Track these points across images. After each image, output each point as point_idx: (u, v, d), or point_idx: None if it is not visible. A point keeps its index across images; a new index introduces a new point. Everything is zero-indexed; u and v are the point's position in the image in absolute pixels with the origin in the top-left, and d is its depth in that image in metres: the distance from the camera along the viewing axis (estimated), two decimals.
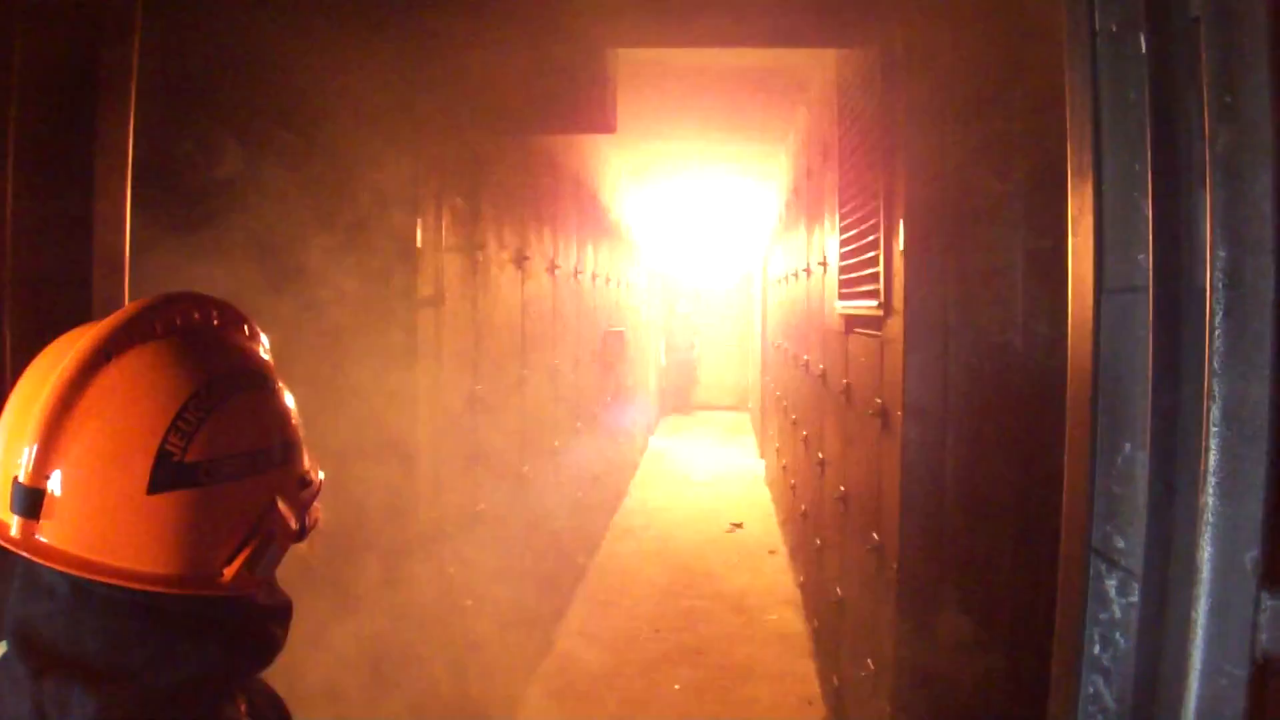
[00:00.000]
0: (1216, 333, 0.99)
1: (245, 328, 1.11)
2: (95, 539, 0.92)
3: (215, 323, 1.07)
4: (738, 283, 15.15)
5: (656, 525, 8.64)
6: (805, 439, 5.99)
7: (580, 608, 6.35)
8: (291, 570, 1.09)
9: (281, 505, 1.02)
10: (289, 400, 1.08)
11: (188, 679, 0.95)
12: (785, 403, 7.73)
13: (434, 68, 3.40)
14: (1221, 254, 0.98)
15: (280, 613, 1.08)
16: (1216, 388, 1.00)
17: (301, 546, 1.07)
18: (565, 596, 6.29)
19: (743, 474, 10.99)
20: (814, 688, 5.04)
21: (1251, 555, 1.00)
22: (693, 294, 15.49)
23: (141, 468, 0.92)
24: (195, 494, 0.94)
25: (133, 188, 1.69)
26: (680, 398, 15.65)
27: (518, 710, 4.74)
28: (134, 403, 0.94)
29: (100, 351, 0.94)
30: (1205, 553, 1.02)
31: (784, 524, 7.91)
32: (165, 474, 0.92)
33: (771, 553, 7.66)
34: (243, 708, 1.02)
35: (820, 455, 5.16)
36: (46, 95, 1.55)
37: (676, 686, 5.15)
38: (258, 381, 1.04)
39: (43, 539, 0.92)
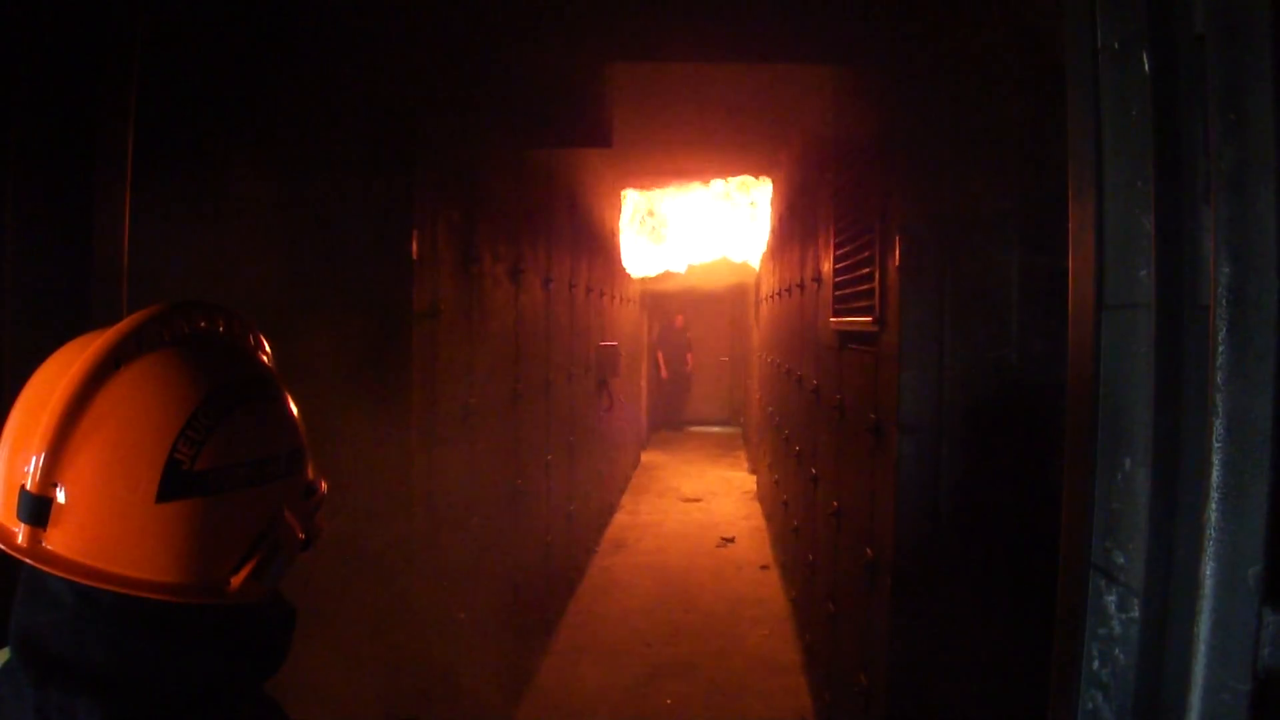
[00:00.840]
0: (1220, 349, 0.99)
1: (250, 335, 1.11)
2: (103, 547, 0.92)
3: (221, 330, 1.07)
4: (730, 298, 15.16)
5: (648, 540, 8.62)
6: (798, 454, 5.99)
7: (572, 620, 6.33)
8: (293, 582, 1.08)
9: (288, 514, 1.02)
10: (293, 409, 1.08)
11: (193, 688, 0.95)
12: (778, 418, 7.73)
13: (431, 82, 3.40)
14: (1225, 270, 0.99)
15: (285, 621, 1.07)
16: (1220, 403, 1.00)
17: (305, 555, 1.07)
18: (557, 609, 6.27)
19: (734, 489, 10.98)
20: (806, 703, 5.03)
21: (1254, 571, 1.00)
22: (685, 309, 15.48)
23: (150, 476, 0.91)
24: (204, 503, 0.94)
25: (132, 194, 1.69)
26: (672, 412, 15.64)
27: None
28: (143, 411, 0.93)
29: (109, 360, 0.93)
30: (1208, 568, 1.02)
31: (776, 539, 7.90)
32: (174, 482, 0.92)
33: (763, 568, 7.64)
34: (247, 714, 1.01)
35: (813, 471, 5.16)
36: (47, 101, 1.55)
37: (668, 701, 5.13)
38: (264, 390, 1.04)
39: (50, 547, 0.92)
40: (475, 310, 3.96)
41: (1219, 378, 1.01)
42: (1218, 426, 1.01)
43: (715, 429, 15.74)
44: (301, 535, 1.04)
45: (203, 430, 0.94)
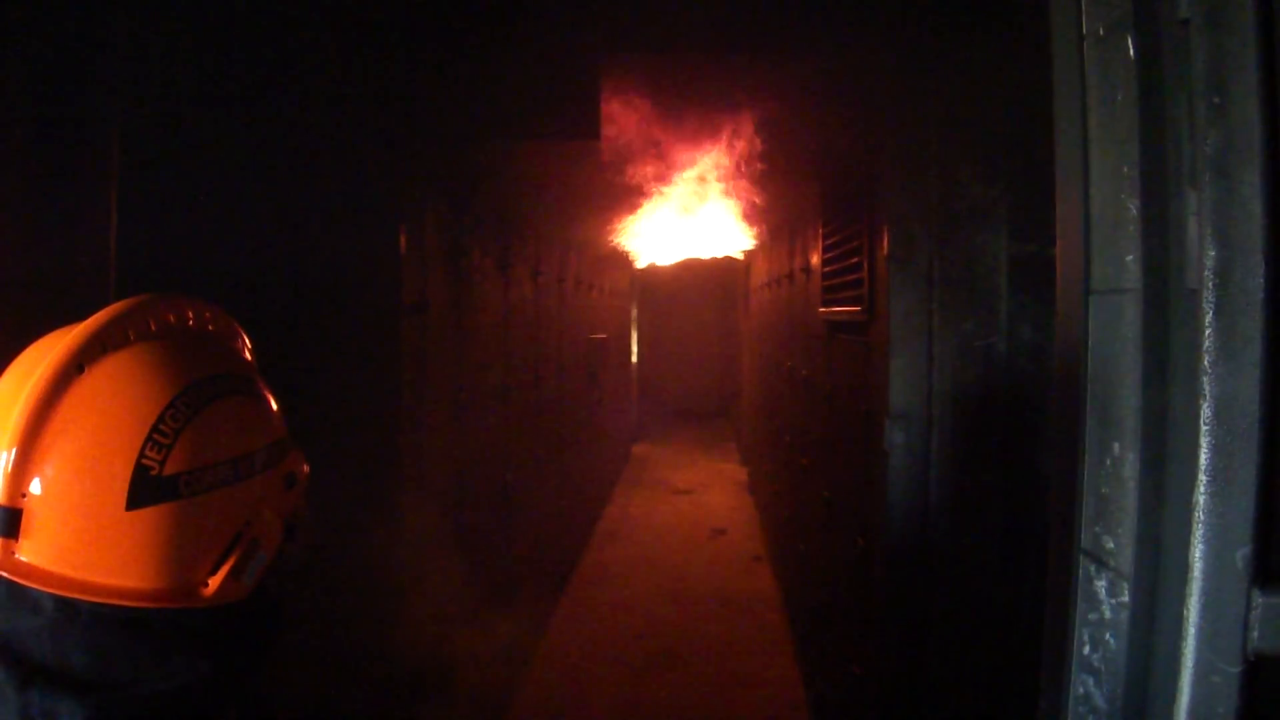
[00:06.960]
0: (1207, 332, 0.99)
1: (226, 327, 1.08)
2: (75, 557, 0.90)
3: (192, 324, 1.04)
4: (721, 288, 15.17)
5: (640, 532, 8.63)
6: (789, 445, 5.99)
7: (565, 614, 6.33)
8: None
9: (265, 511, 1.00)
10: (272, 401, 1.06)
11: (176, 689, 0.94)
12: (769, 409, 7.74)
13: (419, 72, 3.39)
14: (1211, 253, 0.99)
15: (269, 616, 1.05)
16: (1208, 386, 1.00)
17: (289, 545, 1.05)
18: (549, 603, 6.27)
19: (726, 481, 10.99)
20: (799, 693, 5.05)
21: (1243, 553, 1.00)
22: (676, 300, 15.47)
23: (119, 484, 0.89)
24: (175, 507, 0.92)
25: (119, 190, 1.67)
26: (663, 404, 15.62)
27: (505, 717, 4.72)
28: (108, 416, 0.91)
29: (72, 363, 0.91)
30: (1197, 551, 1.02)
31: (767, 530, 7.92)
32: (143, 489, 0.90)
33: (755, 558, 7.66)
34: (233, 714, 1.00)
35: (804, 461, 5.16)
36: (34, 96, 1.53)
37: (662, 693, 5.14)
38: (238, 385, 1.01)
39: (22, 558, 0.90)
40: (464, 304, 3.95)
41: (1206, 361, 1.01)
42: (1205, 410, 1.01)
43: (706, 419, 15.74)
44: (280, 529, 1.02)
45: (170, 433, 0.91)
